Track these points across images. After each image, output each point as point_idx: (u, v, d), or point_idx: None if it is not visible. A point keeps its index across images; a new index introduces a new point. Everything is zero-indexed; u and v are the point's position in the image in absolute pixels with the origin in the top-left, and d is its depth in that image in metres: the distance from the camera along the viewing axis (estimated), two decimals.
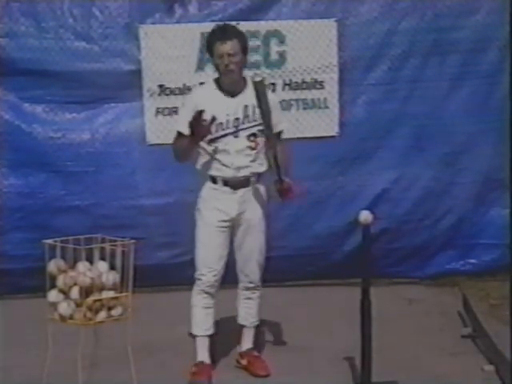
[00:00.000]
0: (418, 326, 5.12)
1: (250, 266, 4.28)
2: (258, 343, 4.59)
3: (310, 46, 5.85)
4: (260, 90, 3.97)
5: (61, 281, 3.67)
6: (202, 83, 5.50)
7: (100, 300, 3.65)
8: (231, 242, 4.28)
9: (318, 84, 5.89)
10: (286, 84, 5.89)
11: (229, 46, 4.01)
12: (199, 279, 4.21)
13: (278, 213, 5.86)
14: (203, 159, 4.17)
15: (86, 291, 3.62)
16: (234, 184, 4.15)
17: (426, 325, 5.13)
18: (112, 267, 3.71)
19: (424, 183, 6.03)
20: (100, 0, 5.73)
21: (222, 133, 4.08)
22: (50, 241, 3.65)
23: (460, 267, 6.12)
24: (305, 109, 5.91)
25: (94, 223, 5.50)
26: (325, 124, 5.94)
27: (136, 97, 5.79)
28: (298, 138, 5.89)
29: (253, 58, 5.82)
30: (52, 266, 3.68)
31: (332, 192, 5.99)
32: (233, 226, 4.23)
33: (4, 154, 5.74)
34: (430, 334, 4.95)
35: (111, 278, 3.69)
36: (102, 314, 3.66)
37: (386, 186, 6.00)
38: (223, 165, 4.12)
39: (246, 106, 4.11)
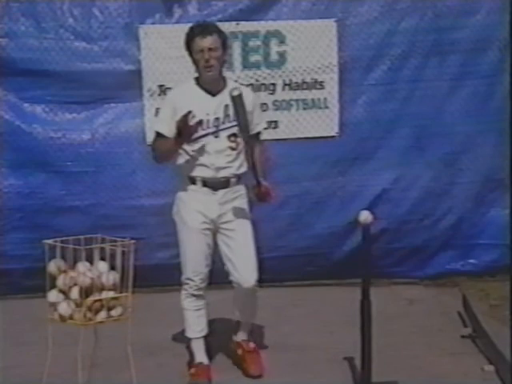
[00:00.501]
0: (417, 326, 5.12)
1: (241, 268, 4.15)
2: (258, 343, 4.59)
3: (310, 46, 5.85)
4: (238, 103, 3.92)
5: (61, 281, 3.66)
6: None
7: (100, 300, 3.65)
8: (217, 245, 4.22)
9: (318, 84, 5.90)
10: (286, 84, 5.89)
11: (209, 41, 3.95)
12: (187, 283, 4.19)
13: (277, 213, 5.89)
14: (182, 160, 4.11)
15: (86, 291, 3.62)
16: (214, 185, 4.09)
17: (426, 325, 5.13)
18: (112, 267, 3.71)
19: (424, 183, 6.03)
20: (100, 0, 5.73)
21: (203, 132, 4.02)
22: (49, 241, 3.64)
23: (460, 267, 6.11)
24: (305, 109, 5.91)
25: (94, 223, 5.50)
26: (325, 124, 5.94)
27: (136, 97, 5.79)
28: (298, 138, 5.91)
29: (253, 58, 5.84)
30: (52, 266, 3.68)
31: (332, 192, 5.99)
32: (216, 228, 4.17)
33: (4, 154, 5.74)
34: (430, 334, 4.95)
35: (111, 278, 3.68)
36: (102, 314, 3.66)
37: (385, 186, 6.00)
38: (203, 165, 4.06)
39: (226, 106, 4.04)
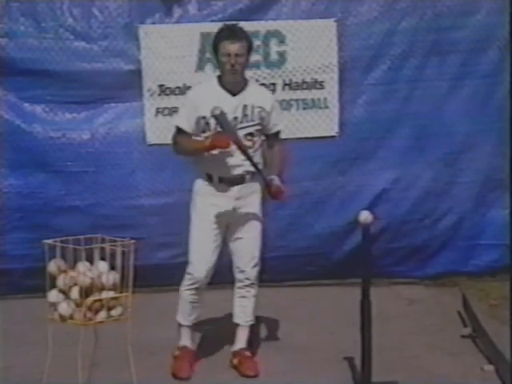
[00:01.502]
0: (417, 325, 5.12)
1: (246, 261, 4.31)
2: (258, 343, 4.59)
3: (310, 46, 5.85)
4: (222, 121, 4.03)
5: (61, 281, 3.66)
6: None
7: (100, 300, 3.64)
8: (225, 240, 4.33)
9: (318, 84, 5.89)
10: (285, 84, 5.89)
11: (237, 47, 4.08)
12: (191, 274, 4.27)
13: (277, 213, 5.88)
14: (199, 156, 4.21)
15: (86, 291, 3.62)
16: (229, 181, 4.20)
17: (426, 325, 5.13)
18: (112, 267, 3.71)
19: (424, 183, 6.03)
20: (100, 0, 5.73)
21: (221, 130, 4.10)
22: (49, 241, 3.64)
23: (460, 267, 6.11)
24: (305, 109, 5.91)
25: (93, 223, 5.50)
26: (325, 124, 5.94)
27: (136, 97, 5.79)
28: (298, 138, 5.91)
29: (253, 57, 5.73)
30: (52, 266, 3.68)
31: (332, 192, 5.99)
32: (228, 223, 4.28)
33: (4, 154, 5.74)
34: (430, 334, 4.95)
35: (111, 278, 3.68)
36: (102, 314, 3.66)
37: (385, 185, 6.00)
38: (220, 163, 4.15)
39: (245, 106, 4.16)
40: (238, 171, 4.20)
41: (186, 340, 4.42)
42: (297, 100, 5.91)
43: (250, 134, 4.19)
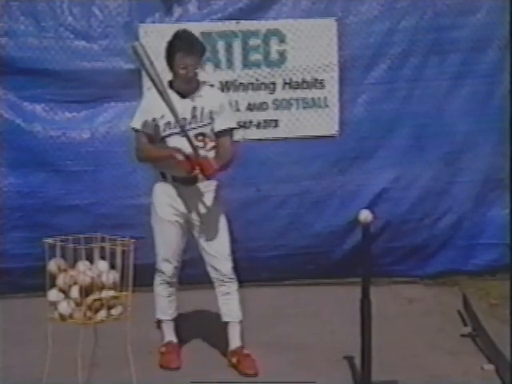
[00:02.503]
0: (417, 325, 5.12)
1: (216, 260, 4.37)
2: (258, 342, 4.59)
3: (310, 45, 5.85)
4: (140, 54, 4.12)
5: (61, 280, 3.66)
6: None
7: (100, 299, 3.65)
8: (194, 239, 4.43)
9: (318, 83, 5.89)
10: (286, 83, 5.88)
11: (194, 59, 4.19)
12: (160, 271, 4.45)
13: (277, 212, 5.89)
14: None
15: (86, 290, 3.62)
16: (183, 180, 4.29)
17: (425, 324, 5.13)
18: (112, 266, 3.71)
19: (424, 182, 6.03)
20: None
21: (169, 132, 4.25)
22: (49, 240, 3.65)
23: (460, 267, 6.11)
24: (305, 108, 5.91)
25: (93, 222, 5.50)
26: (325, 123, 5.94)
27: (136, 96, 5.75)
28: (298, 137, 5.91)
29: (253, 57, 5.84)
30: (52, 265, 3.68)
31: (332, 191, 5.99)
32: (188, 222, 4.37)
33: (4, 153, 5.73)
34: (430, 333, 4.95)
35: (111, 277, 3.69)
36: (102, 314, 3.66)
37: (385, 185, 6.00)
38: (170, 162, 4.20)
39: (194, 108, 4.25)
40: None
41: (170, 335, 4.55)
42: (297, 99, 5.91)
43: (202, 134, 4.26)
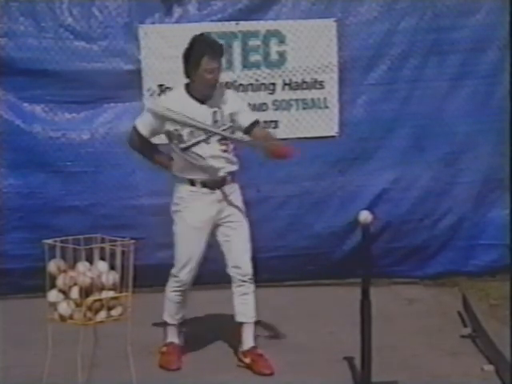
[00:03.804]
0: (417, 325, 5.12)
1: (240, 258, 4.38)
2: (258, 343, 4.59)
3: (310, 46, 5.85)
4: (168, 118, 4.20)
5: (61, 281, 3.66)
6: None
7: (100, 300, 3.65)
8: (216, 241, 4.42)
9: (317, 84, 5.89)
10: (285, 84, 5.88)
11: (218, 63, 4.21)
12: (176, 277, 4.40)
13: (277, 213, 5.89)
14: (180, 164, 4.34)
15: (86, 291, 3.62)
16: (212, 185, 4.31)
17: (425, 325, 5.13)
18: (112, 267, 3.71)
19: (424, 183, 6.03)
20: (99, 0, 5.72)
21: (194, 140, 4.25)
22: (49, 241, 3.64)
23: (460, 267, 6.11)
24: (305, 109, 5.91)
25: (93, 223, 5.50)
26: (324, 124, 5.94)
27: (136, 96, 5.78)
28: (298, 138, 5.90)
29: (253, 57, 5.84)
30: (52, 266, 3.68)
31: (332, 192, 5.99)
32: (215, 224, 4.37)
33: (3, 154, 5.73)
34: (430, 333, 4.95)
35: (111, 277, 3.68)
36: (102, 314, 3.66)
37: (385, 185, 6.00)
38: (201, 169, 4.27)
39: (214, 112, 4.26)
40: (220, 174, 4.30)
41: (173, 337, 4.54)
42: (297, 100, 5.91)
43: (225, 138, 4.28)
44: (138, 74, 5.75)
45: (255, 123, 4.37)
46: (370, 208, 4.22)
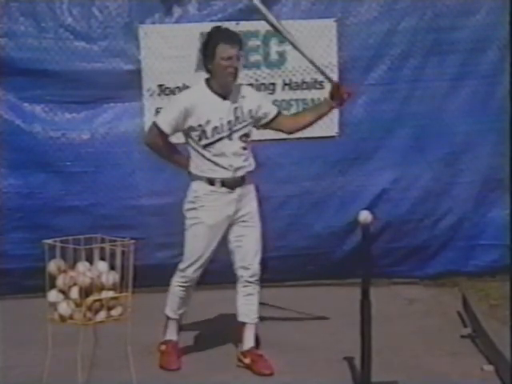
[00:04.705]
0: (417, 326, 5.12)
1: (251, 258, 4.36)
2: (258, 343, 4.59)
3: (310, 46, 5.81)
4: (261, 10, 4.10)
5: (60, 281, 3.66)
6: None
7: (100, 300, 3.65)
8: (226, 239, 4.39)
9: (317, 84, 5.89)
10: (285, 84, 5.89)
11: (237, 50, 4.15)
12: (183, 272, 4.36)
13: (278, 213, 5.89)
14: (198, 162, 4.27)
15: (86, 291, 3.62)
16: (232, 184, 4.26)
17: (425, 325, 5.13)
18: (112, 267, 3.71)
19: (424, 183, 6.03)
20: (99, 0, 5.72)
21: (218, 137, 4.20)
22: (49, 241, 3.65)
23: (460, 267, 6.10)
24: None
25: (93, 223, 5.50)
26: (325, 124, 5.90)
27: (136, 97, 5.78)
28: (298, 138, 5.88)
29: (253, 57, 5.84)
30: (52, 266, 3.68)
31: (332, 192, 5.99)
32: (231, 223, 4.33)
33: (3, 154, 5.73)
34: (430, 334, 4.95)
35: (111, 278, 3.69)
36: (102, 314, 3.66)
37: (385, 186, 5.99)
38: (222, 167, 4.22)
39: (236, 108, 4.23)
40: (240, 173, 4.26)
41: (172, 334, 4.52)
42: (297, 100, 5.91)
43: (245, 135, 4.26)
44: (137, 73, 5.75)
45: (279, 113, 4.43)
46: (369, 208, 4.21)
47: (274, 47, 5.85)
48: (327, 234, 5.99)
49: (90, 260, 3.68)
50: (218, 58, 4.12)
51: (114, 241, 3.70)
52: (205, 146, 4.21)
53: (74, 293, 3.63)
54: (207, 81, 4.25)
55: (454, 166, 6.02)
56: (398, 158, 5.98)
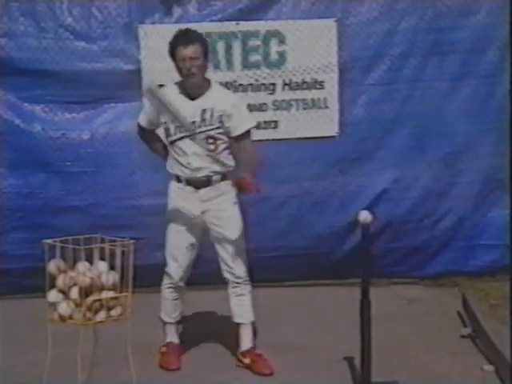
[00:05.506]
0: (417, 326, 5.12)
1: (231, 263, 4.36)
2: (258, 343, 4.59)
3: (310, 46, 5.85)
4: (154, 96, 4.12)
5: (60, 281, 3.67)
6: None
7: (99, 300, 3.65)
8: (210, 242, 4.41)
9: (317, 84, 5.89)
10: (285, 84, 5.88)
11: (191, 50, 4.14)
12: (169, 274, 4.44)
13: (277, 213, 5.89)
14: (169, 158, 4.36)
15: (86, 291, 3.62)
16: (196, 183, 4.29)
17: (425, 325, 5.13)
18: (111, 267, 3.71)
19: (424, 183, 6.03)
20: (99, 0, 5.72)
21: (180, 135, 4.24)
22: (49, 241, 3.65)
23: (460, 267, 6.10)
24: (305, 109, 5.91)
25: (93, 223, 5.50)
26: (325, 124, 5.94)
27: (135, 97, 5.76)
28: (298, 138, 5.91)
29: (253, 57, 5.84)
30: (52, 266, 3.69)
31: (332, 192, 5.99)
32: (204, 225, 4.34)
33: (3, 154, 5.73)
34: (430, 334, 4.95)
35: (111, 278, 3.69)
36: (102, 314, 3.67)
37: (386, 185, 5.99)
38: (182, 165, 4.26)
39: (203, 110, 4.23)
40: (202, 173, 4.26)
41: (172, 337, 4.55)
42: (297, 100, 5.91)
43: (212, 137, 4.24)
44: (137, 74, 5.75)
45: (246, 133, 4.28)
46: (369, 208, 4.22)
47: (274, 47, 5.85)
48: (327, 233, 5.99)
49: (89, 260, 3.68)
50: (178, 60, 4.18)
51: (114, 241, 3.70)
52: (170, 143, 4.28)
53: (74, 293, 3.63)
54: (178, 82, 4.30)
55: (454, 166, 6.02)
56: (398, 157, 5.98)
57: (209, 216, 4.31)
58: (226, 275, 4.40)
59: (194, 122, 4.20)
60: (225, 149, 4.28)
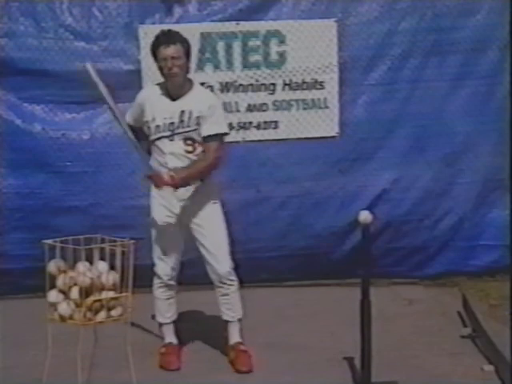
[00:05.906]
0: (417, 326, 5.12)
1: (214, 264, 4.36)
2: (258, 343, 4.59)
3: (310, 46, 5.85)
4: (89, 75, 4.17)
5: (60, 281, 3.67)
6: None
7: (100, 300, 3.65)
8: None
9: (318, 84, 5.89)
10: (286, 84, 5.88)
11: (172, 50, 4.17)
12: (157, 274, 4.44)
13: (277, 213, 5.89)
14: (152, 158, 4.36)
15: (86, 291, 3.62)
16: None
17: (425, 325, 5.13)
18: (112, 267, 3.71)
19: (424, 183, 6.03)
20: (99, 0, 5.72)
21: (158, 135, 4.26)
22: (49, 241, 3.65)
23: (460, 268, 6.10)
24: (305, 109, 5.91)
25: (93, 223, 5.49)
26: (325, 124, 5.94)
27: (135, 97, 5.77)
28: (298, 138, 5.91)
29: (253, 58, 5.84)
30: (52, 266, 3.68)
31: (332, 192, 5.99)
32: (185, 224, 4.35)
33: (3, 154, 5.73)
34: (430, 334, 4.95)
35: (111, 278, 3.69)
36: (102, 314, 3.66)
37: (386, 186, 5.99)
38: (161, 165, 4.27)
39: (182, 112, 4.23)
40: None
41: (170, 337, 4.55)
42: (297, 100, 5.91)
43: (190, 138, 4.24)
44: (137, 74, 5.74)
45: (213, 136, 4.24)
46: (370, 208, 4.22)
47: (274, 47, 5.85)
48: (327, 234, 5.99)
49: (89, 260, 3.68)
50: (159, 61, 4.22)
51: (114, 241, 3.70)
52: (152, 142, 4.31)
53: (74, 293, 3.63)
54: (160, 83, 4.34)
55: (454, 166, 6.02)
56: (398, 158, 5.98)
57: (188, 216, 4.33)
58: (211, 275, 4.41)
59: (172, 123, 4.22)
60: (203, 150, 4.28)
